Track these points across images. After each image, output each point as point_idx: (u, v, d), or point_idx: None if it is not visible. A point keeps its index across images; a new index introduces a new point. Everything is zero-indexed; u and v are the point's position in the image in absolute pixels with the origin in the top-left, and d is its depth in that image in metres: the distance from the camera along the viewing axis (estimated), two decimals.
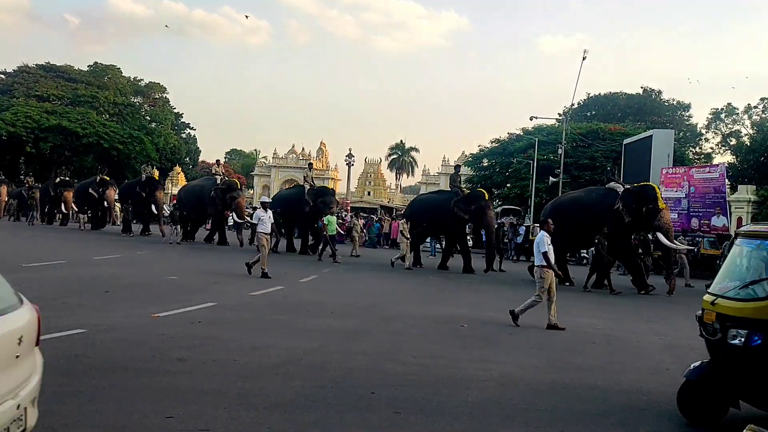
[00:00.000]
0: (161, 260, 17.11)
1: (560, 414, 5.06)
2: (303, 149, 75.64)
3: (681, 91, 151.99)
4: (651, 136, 30.14)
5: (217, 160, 30.60)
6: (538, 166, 36.67)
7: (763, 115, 46.04)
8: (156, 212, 27.46)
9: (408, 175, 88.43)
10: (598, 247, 15.84)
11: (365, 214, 43.15)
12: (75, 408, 4.49)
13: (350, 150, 43.18)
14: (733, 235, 4.86)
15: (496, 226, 22.99)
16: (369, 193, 72.31)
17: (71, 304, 8.80)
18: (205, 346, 6.63)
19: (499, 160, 44.06)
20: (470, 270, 18.69)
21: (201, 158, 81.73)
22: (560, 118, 43.22)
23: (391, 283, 15.39)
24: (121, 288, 10.76)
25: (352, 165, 45.97)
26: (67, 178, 33.72)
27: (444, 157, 72.45)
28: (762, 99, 46.06)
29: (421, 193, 28.98)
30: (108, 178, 31.37)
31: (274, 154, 76.33)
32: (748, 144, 43.18)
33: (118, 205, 30.81)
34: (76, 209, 31.64)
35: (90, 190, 28.97)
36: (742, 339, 4.82)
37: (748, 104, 47.60)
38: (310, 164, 27.54)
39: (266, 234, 14.27)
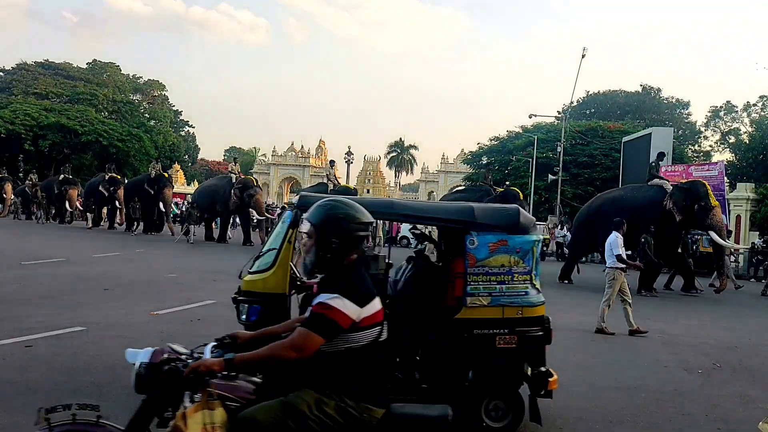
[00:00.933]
0: (161, 258, 17.10)
1: (558, 411, 5.06)
2: (302, 147, 75.66)
3: (680, 89, 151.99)
4: (650, 134, 30.12)
5: (234, 158, 30.09)
6: (537, 164, 36.68)
7: (762, 113, 46.05)
8: (164, 210, 27.03)
9: (407, 173, 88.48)
10: (645, 248, 14.83)
11: None
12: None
13: (349, 148, 43.02)
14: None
15: None
16: (368, 191, 72.30)
17: (71, 301, 8.80)
18: None
19: (498, 158, 44.09)
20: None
21: (200, 156, 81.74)
22: (559, 116, 43.21)
23: None
24: (121, 285, 10.76)
25: (352, 163, 45.92)
26: (71, 176, 33.31)
27: (443, 155, 72.49)
28: (761, 97, 46.09)
29: (453, 191, 27.75)
30: (118, 176, 31.08)
31: (273, 151, 76.32)
32: (747, 142, 43.21)
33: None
34: (81, 207, 31.31)
35: (100, 188, 28.50)
36: (245, 314, 4.71)
37: (747, 102, 47.67)
38: (332, 162, 26.82)
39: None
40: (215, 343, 2.75)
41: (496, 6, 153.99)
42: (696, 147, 50.84)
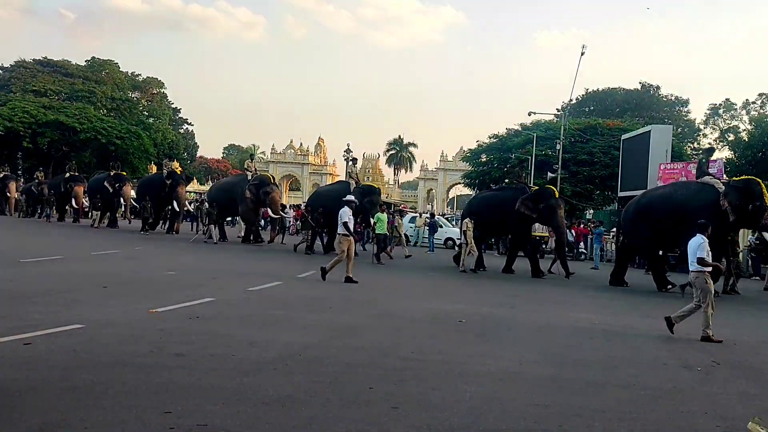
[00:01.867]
0: (159, 256, 17.10)
1: (558, 409, 5.07)
2: (301, 144, 75.66)
3: (679, 87, 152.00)
4: (649, 131, 30.10)
5: (251, 155, 29.56)
6: (536, 162, 36.67)
7: (761, 111, 46.08)
8: (178, 209, 26.39)
9: (406, 171, 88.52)
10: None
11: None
12: (73, 403, 4.49)
13: (348, 145, 42.95)
14: None
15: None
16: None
17: (69, 299, 8.79)
18: (204, 342, 6.63)
19: (497, 155, 44.05)
20: (539, 274, 17.59)
21: (199, 154, 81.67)
22: (558, 113, 43.21)
23: (389, 278, 15.39)
24: (120, 283, 10.75)
25: (349, 160, 45.93)
26: (77, 173, 32.85)
27: (442, 153, 72.52)
28: (760, 95, 46.15)
29: (486, 190, 26.78)
30: (124, 173, 30.79)
31: (272, 149, 76.34)
32: (746, 140, 43.22)
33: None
34: (87, 204, 30.91)
35: (105, 184, 28.01)
36: None
37: (746, 100, 47.73)
38: (354, 159, 26.02)
39: (348, 236, 13.19)
40: None
41: (495, 3, 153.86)
42: (695, 144, 50.84)
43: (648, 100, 55.74)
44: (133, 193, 30.02)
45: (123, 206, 28.95)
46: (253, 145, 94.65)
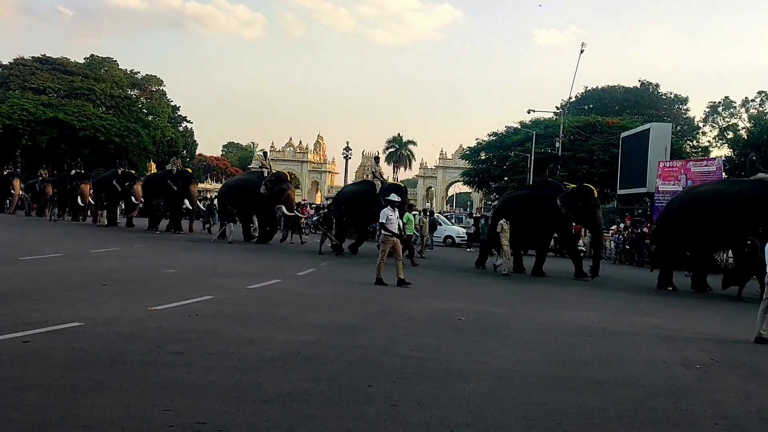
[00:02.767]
0: (158, 253, 17.09)
1: (557, 407, 5.06)
2: (300, 142, 75.60)
3: (679, 85, 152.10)
4: (648, 129, 30.12)
5: (264, 153, 29.10)
6: (536, 160, 36.67)
7: (761, 109, 46.11)
8: (190, 207, 26.01)
9: (405, 169, 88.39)
10: (751, 250, 13.19)
11: None
12: (72, 401, 4.48)
13: (348, 143, 43.11)
14: None
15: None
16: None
17: (68, 297, 8.79)
18: (203, 340, 6.62)
19: (496, 153, 44.07)
20: (582, 274, 17.08)
21: (198, 151, 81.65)
22: (558, 111, 43.20)
23: (387, 277, 15.37)
24: (118, 281, 10.74)
25: (350, 158, 46.09)
26: (83, 171, 32.47)
27: (441, 151, 72.51)
28: (759, 92, 46.21)
29: (517, 188, 25.27)
30: (133, 172, 30.44)
31: (272, 147, 76.22)
32: (746, 137, 43.25)
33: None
34: (93, 202, 30.56)
35: (114, 183, 27.53)
36: None
37: (746, 97, 47.78)
38: (377, 158, 25.29)
39: (391, 237, 12.77)
40: None
41: (494, 1, 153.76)
42: (694, 142, 50.89)
43: (647, 98, 55.76)
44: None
45: (134, 205, 28.51)
46: (252, 142, 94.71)
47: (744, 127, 46.50)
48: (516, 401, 5.16)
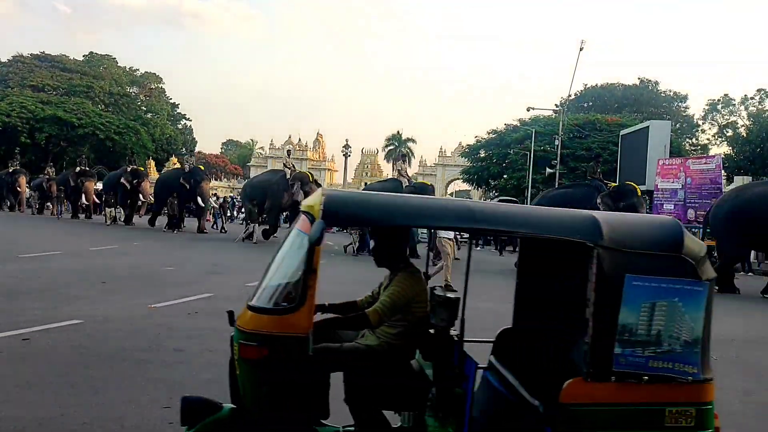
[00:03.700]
0: (158, 251, 17.08)
1: None
2: (300, 140, 75.57)
3: (678, 82, 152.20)
4: (648, 127, 30.14)
5: (288, 151, 28.25)
6: (535, 157, 36.69)
7: (760, 107, 46.11)
8: (203, 205, 25.57)
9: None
10: None
11: None
12: (72, 398, 4.49)
13: (347, 141, 43.03)
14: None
15: None
16: (366, 184, 72.23)
17: (68, 294, 8.79)
18: (202, 337, 6.63)
19: (495, 151, 44.08)
20: None
21: (197, 149, 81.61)
22: (557, 109, 43.21)
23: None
24: (118, 279, 10.74)
25: (349, 156, 46.01)
26: (87, 168, 31.85)
27: (441, 148, 72.41)
28: (759, 90, 46.17)
29: (556, 187, 23.93)
30: (142, 169, 29.67)
31: (271, 144, 76.26)
32: (745, 135, 43.31)
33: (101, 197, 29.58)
34: (98, 201, 30.09)
35: (122, 180, 27.08)
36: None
37: (745, 95, 47.73)
38: (404, 156, 24.39)
39: (450, 239, 12.41)
40: None
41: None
42: (693, 140, 50.91)
43: (646, 96, 55.75)
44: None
45: (141, 203, 28.09)
46: (252, 140, 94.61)
47: (743, 125, 46.52)
48: None
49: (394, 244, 3.66)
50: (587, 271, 2.78)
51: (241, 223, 26.46)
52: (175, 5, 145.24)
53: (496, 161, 44.13)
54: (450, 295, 3.71)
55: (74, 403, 4.40)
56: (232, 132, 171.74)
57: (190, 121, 73.40)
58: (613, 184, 17.87)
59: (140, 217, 28.13)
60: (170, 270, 12.62)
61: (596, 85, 57.52)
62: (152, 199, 28.52)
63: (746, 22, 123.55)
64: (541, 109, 41.85)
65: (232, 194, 46.96)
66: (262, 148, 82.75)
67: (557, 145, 35.26)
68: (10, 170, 35.57)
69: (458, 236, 17.76)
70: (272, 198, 22.45)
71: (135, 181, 27.12)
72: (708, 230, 17.69)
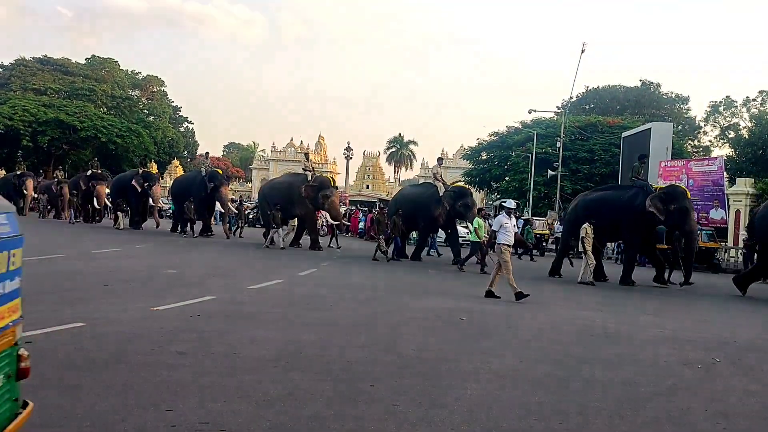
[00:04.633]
0: (160, 254, 17.10)
1: (559, 407, 5.07)
2: (301, 142, 75.72)
3: (680, 84, 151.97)
4: (649, 129, 30.11)
5: (306, 154, 27.36)
6: (537, 160, 36.68)
7: (762, 108, 46.04)
8: (222, 210, 24.89)
9: (406, 169, 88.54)
10: None
11: (365, 208, 43.19)
12: (74, 401, 4.50)
13: (349, 143, 43.11)
14: None
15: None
16: (368, 187, 72.36)
17: (70, 297, 8.80)
18: (205, 340, 6.64)
19: (497, 153, 44.11)
20: (663, 282, 16.08)
21: (199, 151, 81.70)
22: (559, 111, 43.19)
23: (389, 276, 15.39)
24: (120, 281, 10.76)
25: (351, 158, 46.09)
26: (99, 171, 31.17)
27: (443, 151, 72.48)
28: (761, 92, 46.09)
29: (596, 188, 22.42)
30: (154, 172, 29.38)
31: (273, 147, 76.44)
32: (747, 137, 43.24)
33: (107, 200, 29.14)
34: (109, 204, 29.56)
35: (133, 183, 26.50)
36: None
37: (747, 97, 47.67)
38: (440, 159, 23.56)
39: (509, 246, 11.82)
40: None
41: (495, 1, 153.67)
42: (695, 142, 50.84)
43: (648, 98, 55.69)
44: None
45: (153, 207, 27.49)
46: (253, 142, 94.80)
47: (745, 127, 46.44)
48: (517, 401, 5.17)
49: None
50: None
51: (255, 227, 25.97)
52: (177, 8, 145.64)
53: (497, 163, 44.15)
54: None
55: (77, 405, 4.41)
56: (234, 135, 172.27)
57: (192, 123, 73.56)
58: (660, 186, 17.09)
59: (157, 226, 27.28)
60: (173, 273, 12.64)
61: (598, 87, 57.49)
62: (162, 203, 28.13)
63: (748, 24, 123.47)
64: (543, 111, 41.93)
65: (233, 197, 46.82)
66: (263, 150, 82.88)
67: (559, 147, 35.25)
68: (18, 173, 35.35)
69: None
70: (295, 201, 21.63)
71: (146, 185, 26.57)
72: (745, 233, 17.53)
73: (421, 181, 76.35)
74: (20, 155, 47.89)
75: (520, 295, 11.16)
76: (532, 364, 6.54)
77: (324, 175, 25.42)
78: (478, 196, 66.43)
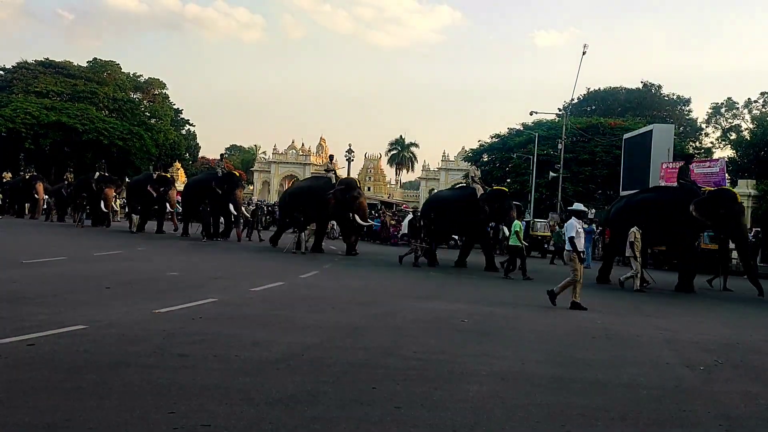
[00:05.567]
0: (162, 256, 17.11)
1: (561, 408, 5.06)
2: (303, 145, 75.74)
3: (681, 86, 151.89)
4: (651, 130, 30.12)
5: (330, 156, 26.55)
6: (538, 161, 36.68)
7: (763, 110, 46.02)
8: (236, 213, 24.11)
9: (408, 171, 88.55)
10: None
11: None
12: (76, 404, 4.50)
13: (350, 145, 42.98)
14: None
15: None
16: (369, 189, 72.32)
17: (72, 300, 8.81)
18: (207, 342, 6.64)
19: (499, 155, 44.14)
20: (689, 288, 15.36)
21: (201, 154, 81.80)
22: (560, 113, 43.20)
23: (391, 278, 15.39)
24: (122, 284, 10.77)
25: (352, 160, 45.91)
26: (107, 174, 30.53)
27: (444, 153, 72.60)
28: (762, 93, 46.10)
29: (640, 191, 21.07)
30: (168, 176, 28.50)
31: (274, 149, 76.46)
32: (748, 138, 43.19)
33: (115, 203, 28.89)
34: (117, 208, 29.21)
35: (149, 188, 25.98)
36: None
37: (748, 98, 47.67)
38: (476, 162, 23.70)
39: (580, 253, 11.25)
40: None
41: (491, 3, 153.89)
42: (697, 144, 50.80)
43: (650, 100, 55.71)
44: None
45: (169, 212, 26.98)
46: (255, 145, 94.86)
47: (747, 128, 46.40)
48: (519, 403, 5.17)
49: None
50: None
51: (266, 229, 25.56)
52: (177, 11, 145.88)
53: (499, 165, 44.16)
54: None
55: (79, 408, 4.41)
56: (235, 137, 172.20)
57: (194, 126, 73.55)
58: (709, 188, 16.56)
59: (175, 229, 26.61)
60: (175, 275, 12.64)
61: (599, 89, 57.55)
62: (179, 207, 27.47)
63: (749, 25, 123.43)
64: (544, 113, 42.00)
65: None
66: (264, 152, 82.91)
67: (560, 149, 35.24)
68: (27, 176, 35.16)
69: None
70: (320, 206, 21.09)
71: (162, 189, 26.16)
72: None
73: (423, 184, 76.42)
74: (22, 158, 47.93)
75: (577, 306, 10.92)
76: (534, 366, 6.53)
77: (351, 177, 24.96)
78: None
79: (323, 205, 20.92)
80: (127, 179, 33.95)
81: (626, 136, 33.65)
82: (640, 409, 5.22)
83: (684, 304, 13.75)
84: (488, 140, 45.97)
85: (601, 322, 9.96)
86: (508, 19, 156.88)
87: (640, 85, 56.66)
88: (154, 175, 27.39)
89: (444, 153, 72.70)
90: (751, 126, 45.68)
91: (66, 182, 33.45)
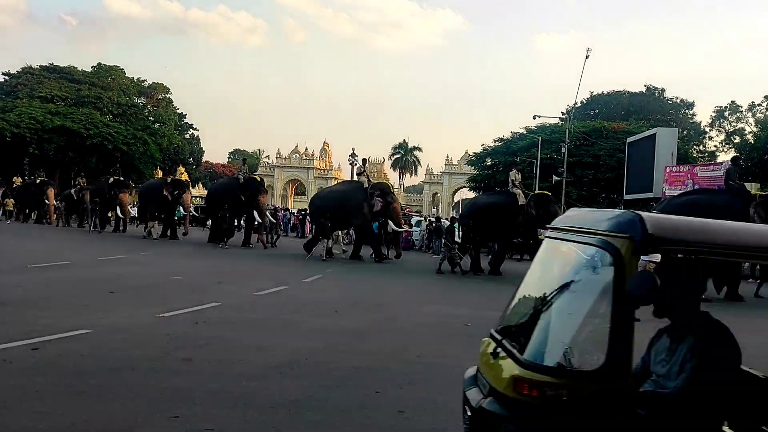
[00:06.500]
0: (166, 261, 17.12)
1: None
2: (306, 149, 75.71)
3: (685, 89, 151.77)
4: (655, 134, 30.06)
5: (364, 159, 25.14)
6: (542, 165, 36.64)
7: (767, 113, 45.91)
8: (260, 219, 23.35)
9: (411, 175, 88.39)
10: None
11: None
12: (81, 408, 4.51)
13: (353, 150, 42.97)
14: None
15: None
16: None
17: (76, 304, 8.83)
18: (210, 346, 6.65)
19: (502, 159, 44.03)
20: (737, 297, 14.47)
21: (204, 158, 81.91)
22: (563, 117, 43.16)
23: (395, 282, 15.38)
24: (126, 288, 10.78)
25: (355, 165, 45.91)
26: (122, 178, 29.88)
27: (447, 157, 72.46)
28: (766, 97, 45.91)
29: (682, 193, 19.91)
30: (185, 180, 27.83)
31: (278, 154, 76.45)
32: (752, 142, 43.07)
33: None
34: (130, 213, 28.69)
35: (164, 192, 25.40)
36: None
37: (752, 102, 47.51)
38: (516, 165, 22.27)
39: (655, 263, 11.71)
40: None
41: (492, 7, 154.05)
42: (701, 147, 50.69)
43: (653, 103, 55.63)
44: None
45: (183, 216, 26.28)
46: (259, 149, 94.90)
47: (751, 132, 46.28)
48: None
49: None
50: None
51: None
52: (180, 16, 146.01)
53: (502, 169, 44.06)
54: None
55: (83, 412, 4.42)
56: (239, 141, 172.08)
57: (197, 130, 73.58)
58: (761, 192, 15.81)
59: (184, 234, 25.83)
60: (178, 279, 12.66)
61: (602, 93, 57.47)
62: (193, 212, 26.79)
63: (753, 28, 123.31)
64: (548, 117, 41.92)
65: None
66: (268, 156, 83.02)
67: (564, 153, 35.19)
68: (37, 181, 34.99)
69: None
70: (354, 212, 20.46)
71: (176, 193, 25.72)
72: None
73: (426, 188, 76.39)
74: (26, 163, 48.06)
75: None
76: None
77: (383, 182, 24.36)
78: None
79: (356, 210, 20.28)
80: (133, 184, 33.76)
81: (630, 139, 33.58)
82: None
83: None
84: (492, 144, 45.94)
85: None
86: (509, 22, 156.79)
87: (644, 89, 56.59)
88: (168, 179, 27.04)
89: (447, 157, 72.54)
90: (755, 129, 45.57)
91: (78, 186, 33.11)
